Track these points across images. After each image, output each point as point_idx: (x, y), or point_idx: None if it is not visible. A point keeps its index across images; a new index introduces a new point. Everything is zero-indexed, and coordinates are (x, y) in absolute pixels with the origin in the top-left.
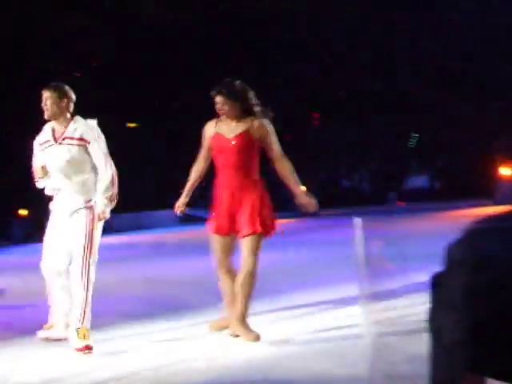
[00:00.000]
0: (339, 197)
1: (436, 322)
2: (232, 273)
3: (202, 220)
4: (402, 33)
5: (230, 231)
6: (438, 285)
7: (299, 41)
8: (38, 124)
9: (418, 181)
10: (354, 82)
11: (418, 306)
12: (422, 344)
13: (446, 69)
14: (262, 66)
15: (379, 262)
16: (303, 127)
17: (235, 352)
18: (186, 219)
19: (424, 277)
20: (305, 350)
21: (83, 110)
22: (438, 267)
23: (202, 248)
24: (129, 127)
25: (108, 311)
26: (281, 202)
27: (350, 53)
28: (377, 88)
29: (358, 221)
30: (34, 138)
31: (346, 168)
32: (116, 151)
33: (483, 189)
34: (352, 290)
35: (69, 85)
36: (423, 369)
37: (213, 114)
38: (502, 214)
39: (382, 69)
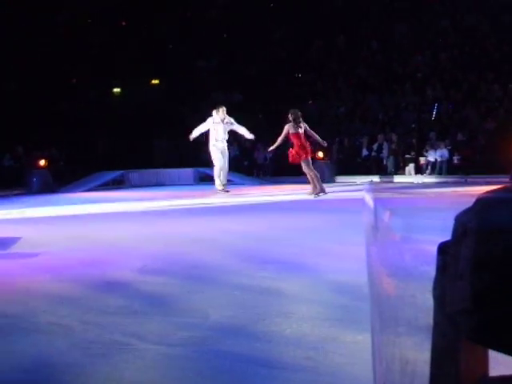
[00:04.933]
0: (359, 165)
1: (440, 289)
2: None
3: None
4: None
5: None
6: (444, 253)
7: None
8: None
9: (437, 153)
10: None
11: (423, 276)
12: (425, 313)
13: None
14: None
15: (387, 231)
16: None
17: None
18: (204, 179)
19: (431, 248)
20: (310, 314)
21: None
22: (446, 238)
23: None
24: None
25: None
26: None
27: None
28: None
29: (369, 187)
30: None
31: (367, 138)
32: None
33: (503, 166)
34: (358, 255)
35: None
36: (427, 337)
37: None
38: None
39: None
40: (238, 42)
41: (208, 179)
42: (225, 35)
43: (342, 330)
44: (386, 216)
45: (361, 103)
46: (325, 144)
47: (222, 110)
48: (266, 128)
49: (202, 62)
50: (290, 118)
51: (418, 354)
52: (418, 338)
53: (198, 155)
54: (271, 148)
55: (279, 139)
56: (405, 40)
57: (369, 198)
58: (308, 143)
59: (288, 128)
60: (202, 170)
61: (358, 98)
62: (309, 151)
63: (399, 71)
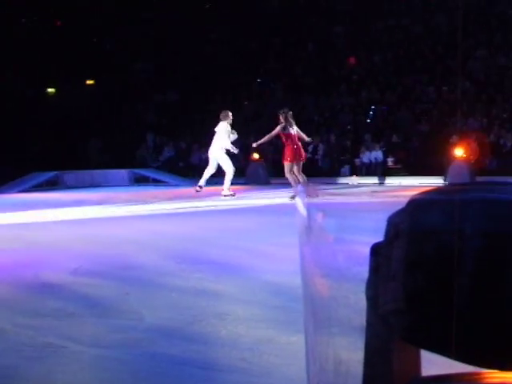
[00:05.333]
0: None
1: (373, 290)
2: None
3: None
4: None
5: None
6: (377, 254)
7: None
8: None
9: (371, 155)
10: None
11: (356, 277)
12: (359, 314)
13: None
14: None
15: (320, 232)
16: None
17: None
18: (139, 180)
19: (364, 249)
20: (246, 315)
21: None
22: (378, 240)
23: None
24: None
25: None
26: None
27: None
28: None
29: (301, 189)
30: None
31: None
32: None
33: (436, 168)
34: (293, 256)
35: None
36: (361, 338)
37: None
38: (445, 187)
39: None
40: (175, 43)
41: (143, 180)
42: (161, 36)
43: (277, 331)
44: (319, 217)
45: (296, 104)
46: (310, 140)
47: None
48: (202, 128)
49: (138, 63)
50: (282, 119)
51: (352, 354)
52: (351, 338)
53: (133, 156)
54: (256, 143)
55: (266, 137)
56: (341, 41)
57: (301, 200)
58: (300, 145)
59: (279, 129)
60: (137, 171)
61: (293, 99)
62: (298, 154)
63: (335, 73)
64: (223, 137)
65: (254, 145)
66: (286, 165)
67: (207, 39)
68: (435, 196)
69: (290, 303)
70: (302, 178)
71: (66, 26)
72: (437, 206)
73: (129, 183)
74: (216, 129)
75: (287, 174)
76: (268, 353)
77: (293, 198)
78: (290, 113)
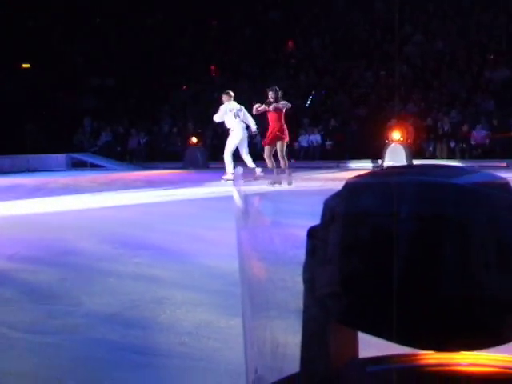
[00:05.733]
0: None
1: (310, 273)
2: None
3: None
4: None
5: None
6: (313, 237)
7: None
8: None
9: (310, 139)
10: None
11: (293, 261)
12: (296, 297)
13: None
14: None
15: (257, 215)
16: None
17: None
18: (76, 164)
19: (301, 232)
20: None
21: None
22: (315, 223)
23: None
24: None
25: None
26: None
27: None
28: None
29: (238, 171)
30: None
31: None
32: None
33: (374, 151)
34: (231, 240)
35: None
36: (298, 321)
37: None
38: (381, 170)
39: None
40: (111, 27)
41: (80, 165)
42: (98, 20)
43: (216, 315)
44: (255, 201)
45: (234, 88)
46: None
47: None
48: (139, 113)
49: (75, 47)
50: (272, 97)
51: (289, 337)
52: (288, 321)
53: (70, 141)
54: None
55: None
56: (278, 26)
57: (238, 183)
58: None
59: (265, 106)
60: (74, 155)
61: (231, 83)
62: (277, 136)
63: (272, 57)
64: (223, 117)
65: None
66: (267, 147)
67: (144, 23)
68: (371, 179)
69: (229, 287)
70: (272, 162)
71: (0, 9)
72: (372, 189)
73: (66, 168)
74: None
75: (266, 156)
76: (207, 337)
77: (273, 183)
78: (280, 92)
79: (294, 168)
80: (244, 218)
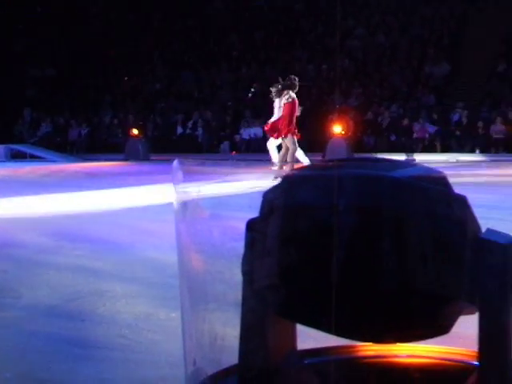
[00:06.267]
0: (174, 143)
1: (248, 265)
2: None
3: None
4: None
5: None
6: (252, 230)
7: None
8: None
9: (252, 131)
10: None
11: (232, 253)
12: (234, 289)
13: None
14: None
15: (195, 208)
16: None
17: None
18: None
19: (239, 225)
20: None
21: None
22: (254, 216)
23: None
24: None
25: None
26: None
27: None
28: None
29: (176, 164)
30: None
31: (182, 115)
32: None
33: (315, 144)
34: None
35: None
36: (236, 313)
37: None
38: (319, 163)
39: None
40: (51, 17)
41: (19, 156)
42: (39, 10)
43: (156, 308)
44: (194, 193)
45: (176, 80)
46: None
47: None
48: (80, 104)
49: (15, 37)
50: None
51: (228, 329)
52: (227, 313)
53: (10, 132)
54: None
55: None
56: (221, 18)
57: (178, 175)
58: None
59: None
60: (13, 146)
61: (173, 74)
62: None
63: (215, 49)
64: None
65: None
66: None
67: (85, 13)
68: (309, 172)
69: (170, 279)
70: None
71: None
72: (310, 181)
73: (5, 159)
74: None
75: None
76: (147, 329)
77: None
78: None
79: (236, 160)
80: (183, 211)
